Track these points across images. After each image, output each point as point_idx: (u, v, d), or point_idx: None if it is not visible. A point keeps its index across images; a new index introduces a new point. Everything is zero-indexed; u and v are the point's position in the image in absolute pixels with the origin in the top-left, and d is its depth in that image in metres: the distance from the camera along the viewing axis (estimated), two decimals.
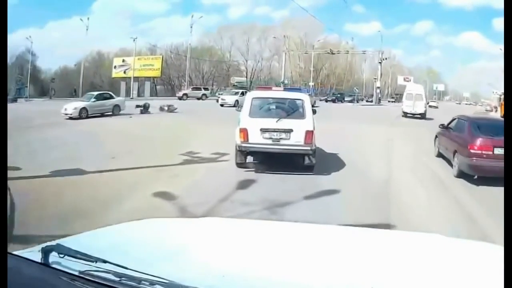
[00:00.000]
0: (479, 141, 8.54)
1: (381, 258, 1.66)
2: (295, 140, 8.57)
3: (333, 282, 1.41)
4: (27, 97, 40.33)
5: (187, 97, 40.29)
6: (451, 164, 9.57)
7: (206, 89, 45.25)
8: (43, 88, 45.74)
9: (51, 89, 43.11)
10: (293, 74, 61.55)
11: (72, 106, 21.15)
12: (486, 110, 35.86)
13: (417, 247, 1.87)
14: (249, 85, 51.84)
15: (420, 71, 67.07)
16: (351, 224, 2.91)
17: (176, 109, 24.91)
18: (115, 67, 51.03)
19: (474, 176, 8.41)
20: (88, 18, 46.61)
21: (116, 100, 23.81)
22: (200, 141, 12.28)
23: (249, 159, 9.07)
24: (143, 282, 1.20)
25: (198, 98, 40.17)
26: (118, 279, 1.22)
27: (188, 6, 69.09)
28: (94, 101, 22.30)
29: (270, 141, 8.63)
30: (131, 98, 38.72)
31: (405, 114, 26.30)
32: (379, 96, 49.19)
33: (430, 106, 34.38)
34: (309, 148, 8.58)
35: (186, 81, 52.26)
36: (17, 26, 44.71)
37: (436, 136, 11.70)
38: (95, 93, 24.35)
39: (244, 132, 8.63)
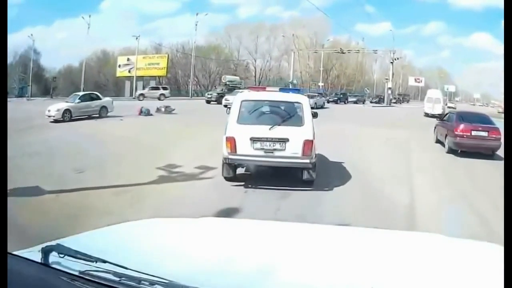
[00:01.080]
0: (461, 126, 12.34)
1: (381, 258, 1.66)
2: (292, 152, 7.35)
3: (333, 282, 1.42)
4: (28, 97, 39.81)
5: (144, 97, 37.80)
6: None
7: (165, 88, 42.92)
8: (46, 87, 45.32)
9: (52, 88, 42.87)
10: (303, 74, 60.55)
11: (55, 107, 19.64)
12: (499, 112, 35.56)
13: (417, 247, 1.87)
14: (258, 85, 50.34)
15: (430, 72, 65.46)
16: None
17: (173, 110, 24.64)
18: (119, 66, 50.28)
19: (458, 151, 12.18)
20: (89, 16, 45.32)
21: (103, 101, 22.19)
22: (187, 148, 11.25)
23: (240, 170, 8.04)
24: (143, 282, 1.21)
25: (158, 99, 37.31)
26: (118, 279, 1.22)
27: (197, 6, 68.42)
28: (79, 102, 20.49)
29: (262, 153, 7.40)
30: (134, 98, 38.13)
31: (426, 114, 30.50)
32: (390, 97, 48.42)
33: (449, 107, 38.47)
34: (307, 161, 7.37)
35: (191, 81, 51.92)
36: (23, 25, 44.63)
37: (435, 127, 15.26)
38: (81, 93, 22.92)
39: (231, 141, 7.39)
